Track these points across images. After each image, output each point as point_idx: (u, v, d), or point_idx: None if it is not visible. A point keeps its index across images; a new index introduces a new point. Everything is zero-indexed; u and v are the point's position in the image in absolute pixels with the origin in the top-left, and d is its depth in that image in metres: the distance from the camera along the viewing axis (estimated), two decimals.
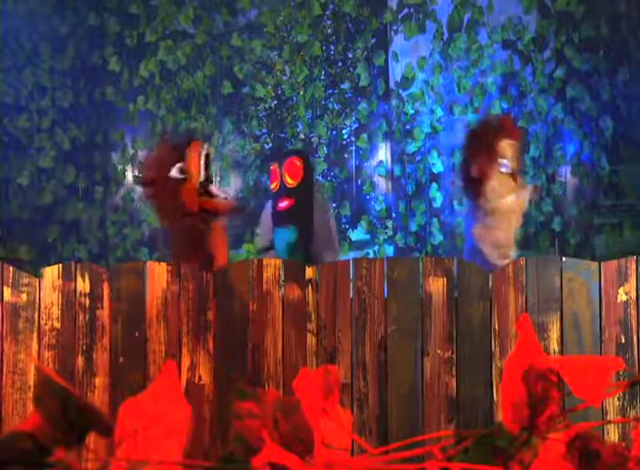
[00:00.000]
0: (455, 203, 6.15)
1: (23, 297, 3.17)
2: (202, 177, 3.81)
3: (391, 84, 6.46)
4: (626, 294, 3.14)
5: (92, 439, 0.87)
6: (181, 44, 6.54)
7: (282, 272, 3.21)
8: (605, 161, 6.21)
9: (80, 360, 3.17)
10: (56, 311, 3.18)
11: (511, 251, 3.96)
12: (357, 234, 6.51)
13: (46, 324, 3.17)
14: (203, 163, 3.83)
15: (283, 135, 6.59)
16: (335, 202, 6.42)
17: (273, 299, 3.19)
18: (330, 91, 6.54)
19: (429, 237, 6.31)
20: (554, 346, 3.14)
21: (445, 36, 6.32)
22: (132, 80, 6.60)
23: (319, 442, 0.90)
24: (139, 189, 6.69)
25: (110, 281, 3.19)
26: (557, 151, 6.25)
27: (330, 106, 6.53)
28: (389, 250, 6.41)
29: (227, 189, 4.16)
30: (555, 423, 0.89)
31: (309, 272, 3.20)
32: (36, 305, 3.18)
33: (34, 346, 3.17)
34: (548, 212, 6.22)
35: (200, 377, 3.16)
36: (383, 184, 6.53)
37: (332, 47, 6.57)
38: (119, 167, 6.68)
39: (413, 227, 6.35)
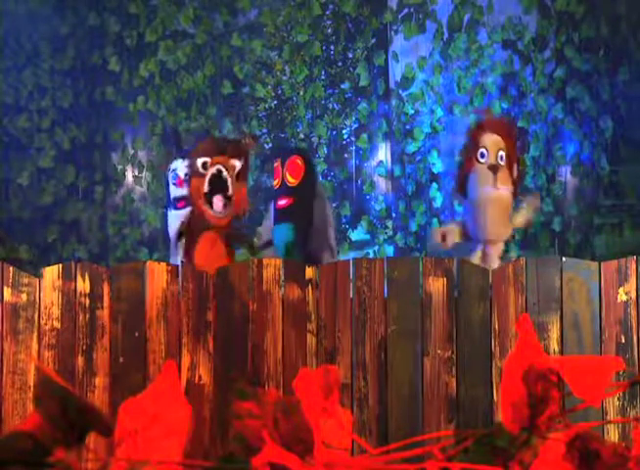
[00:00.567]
0: (455, 203, 6.14)
1: (23, 297, 3.17)
2: (204, 188, 3.85)
3: (391, 84, 6.45)
4: (626, 294, 3.14)
5: (92, 439, 0.87)
6: (181, 44, 6.54)
7: (282, 272, 3.21)
8: (605, 161, 6.21)
9: (80, 360, 3.17)
10: (56, 311, 3.18)
11: (494, 248, 3.98)
12: (357, 234, 6.51)
13: (46, 324, 3.17)
14: (208, 176, 3.86)
15: (283, 135, 6.59)
16: (335, 202, 6.42)
17: (273, 299, 3.19)
18: (330, 91, 6.54)
19: (429, 237, 6.31)
20: (554, 346, 3.14)
21: (445, 36, 6.32)
22: (132, 80, 6.59)
23: (319, 442, 0.90)
24: (139, 189, 6.69)
25: (110, 281, 3.19)
26: (557, 151, 6.25)
27: (330, 106, 6.52)
28: (389, 250, 6.40)
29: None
30: (555, 423, 0.89)
31: (309, 272, 3.20)
32: (36, 305, 3.18)
33: (34, 346, 3.17)
34: (548, 212, 6.22)
35: (200, 377, 3.16)
36: (383, 184, 6.53)
37: (332, 47, 6.56)
38: (119, 167, 6.67)
39: (413, 227, 6.35)
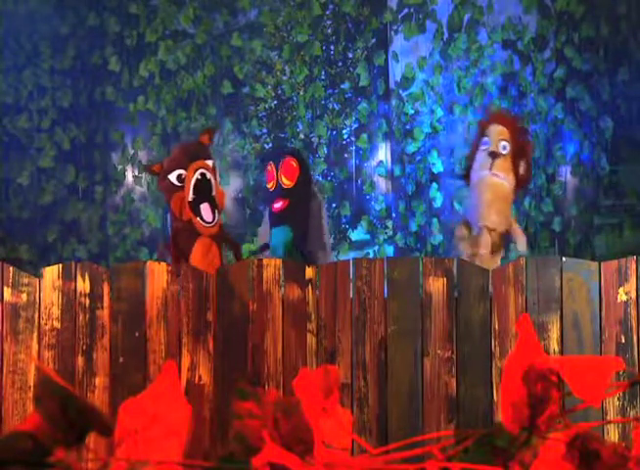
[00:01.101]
0: (455, 203, 6.15)
1: (23, 297, 3.17)
2: (189, 197, 3.79)
3: (391, 84, 6.45)
4: (626, 294, 3.14)
5: (92, 439, 0.87)
6: (181, 44, 6.54)
7: (282, 272, 3.21)
8: (605, 161, 6.21)
9: (80, 360, 3.17)
10: (56, 311, 3.18)
11: (486, 236, 4.01)
12: (357, 234, 6.51)
13: (46, 324, 3.17)
14: (192, 183, 3.81)
15: (283, 135, 6.59)
16: (335, 202, 6.42)
17: (273, 299, 3.19)
18: (330, 91, 6.54)
19: (429, 237, 6.31)
20: (554, 346, 3.14)
21: (445, 36, 6.32)
22: (132, 80, 6.59)
23: (319, 442, 0.90)
24: (139, 189, 6.69)
25: (110, 281, 3.19)
26: (557, 151, 6.25)
27: (330, 106, 6.52)
28: (389, 250, 6.40)
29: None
30: (555, 423, 0.89)
31: (309, 272, 3.20)
32: (36, 305, 3.18)
33: (34, 346, 3.17)
34: (548, 212, 6.22)
35: (200, 377, 3.16)
36: (383, 184, 6.53)
37: (332, 47, 6.56)
38: (119, 167, 6.67)
39: (413, 227, 6.35)
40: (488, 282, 3.18)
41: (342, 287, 3.19)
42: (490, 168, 4.03)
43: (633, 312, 3.14)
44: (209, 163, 3.92)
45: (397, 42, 6.43)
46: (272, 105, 6.60)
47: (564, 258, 3.23)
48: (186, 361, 3.16)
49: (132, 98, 6.60)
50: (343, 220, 6.48)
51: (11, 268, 3.20)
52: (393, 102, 6.42)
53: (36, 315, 3.18)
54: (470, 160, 4.22)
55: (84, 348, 3.17)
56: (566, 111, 6.25)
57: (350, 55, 6.54)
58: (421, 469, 0.89)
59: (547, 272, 3.16)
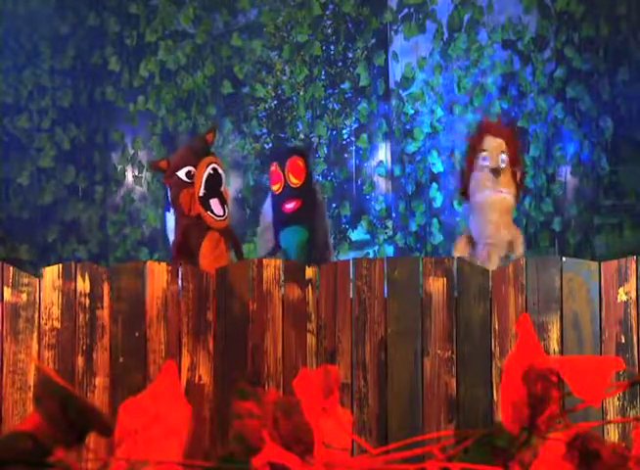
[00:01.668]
0: (455, 203, 6.14)
1: (23, 297, 3.17)
2: (200, 192, 3.83)
3: (391, 84, 6.45)
4: (626, 294, 3.14)
5: (92, 439, 0.87)
6: (181, 44, 6.54)
7: (282, 272, 3.21)
8: (605, 161, 6.21)
9: (80, 360, 3.17)
10: (56, 311, 3.18)
11: (497, 252, 3.97)
12: (357, 234, 6.51)
13: (46, 324, 3.17)
14: (204, 178, 3.84)
15: (283, 135, 6.59)
16: (335, 202, 6.42)
17: (273, 299, 3.19)
18: (330, 91, 6.54)
19: (429, 237, 6.31)
20: (554, 346, 3.14)
21: (445, 36, 6.32)
22: (132, 80, 6.59)
23: (319, 442, 0.90)
24: (139, 189, 6.69)
25: (110, 281, 3.19)
26: (557, 151, 6.25)
27: (330, 106, 6.52)
28: (389, 250, 6.40)
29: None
30: (555, 423, 0.89)
31: (309, 272, 3.20)
32: (36, 305, 3.18)
33: (34, 346, 3.17)
34: (548, 212, 6.22)
35: (200, 377, 3.16)
36: (383, 184, 6.52)
37: (332, 47, 6.57)
38: (119, 167, 6.67)
39: (413, 227, 6.35)
40: (488, 282, 3.18)
41: (342, 287, 3.19)
42: (496, 187, 3.92)
43: (633, 312, 3.14)
44: (218, 158, 4.00)
45: (397, 42, 6.43)
46: (272, 105, 6.60)
47: (564, 258, 3.23)
48: (186, 361, 3.16)
49: (132, 98, 6.60)
50: (343, 220, 6.48)
51: (11, 268, 3.20)
52: (393, 102, 6.42)
53: (36, 315, 3.18)
54: (467, 177, 4.04)
55: (84, 348, 3.17)
56: (566, 111, 6.25)
57: (350, 55, 6.54)
58: (421, 469, 0.89)
59: (547, 272, 3.16)
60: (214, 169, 3.88)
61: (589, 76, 6.25)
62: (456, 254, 3.93)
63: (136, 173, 6.67)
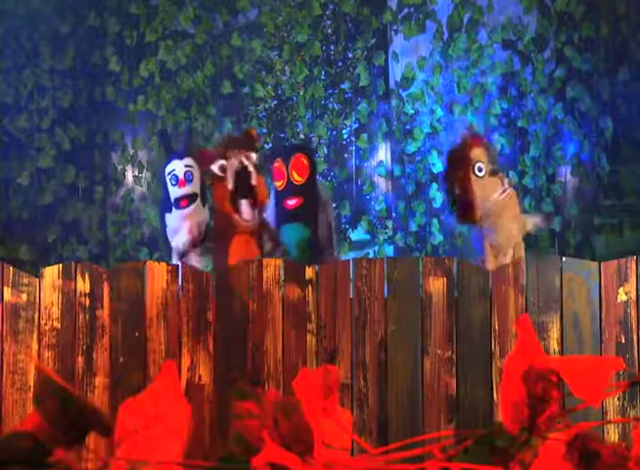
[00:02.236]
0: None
1: (23, 297, 3.17)
2: (230, 186, 3.81)
3: (391, 84, 6.45)
4: (626, 294, 3.14)
5: (92, 439, 0.87)
6: (181, 44, 6.54)
7: (282, 272, 3.21)
8: (605, 161, 6.21)
9: (80, 360, 3.17)
10: (56, 311, 3.18)
11: (506, 256, 3.95)
12: (357, 234, 6.51)
13: (46, 324, 3.17)
14: (233, 174, 3.82)
15: (283, 135, 6.59)
16: (335, 202, 6.42)
17: (273, 299, 3.19)
18: (330, 91, 6.54)
19: (429, 237, 6.31)
20: (554, 346, 3.14)
21: (445, 36, 6.32)
22: (132, 80, 6.59)
23: (319, 442, 0.90)
24: (139, 189, 6.69)
25: (110, 281, 3.19)
26: (557, 151, 6.25)
27: (330, 106, 6.52)
28: (389, 250, 6.40)
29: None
30: (555, 423, 0.89)
31: (309, 272, 3.20)
32: (36, 305, 3.18)
33: (34, 346, 3.17)
34: (548, 213, 6.22)
35: (200, 377, 3.16)
36: (383, 184, 6.52)
37: (332, 47, 6.57)
38: (119, 167, 6.67)
39: (413, 227, 6.35)
40: (488, 282, 3.18)
41: (342, 287, 3.19)
42: (503, 188, 3.90)
43: (633, 312, 3.14)
44: (252, 154, 3.92)
45: (397, 42, 6.43)
46: (272, 105, 6.60)
47: (564, 258, 3.23)
48: (186, 361, 3.16)
49: (132, 98, 6.60)
50: (343, 220, 6.48)
51: (11, 268, 3.20)
52: (393, 102, 6.41)
53: (36, 315, 3.18)
54: (464, 196, 3.92)
55: (84, 348, 3.17)
56: (566, 111, 6.24)
57: (350, 55, 6.54)
58: (421, 469, 0.89)
59: (547, 272, 3.16)
60: (241, 163, 3.84)
61: (589, 76, 6.25)
62: (490, 266, 3.82)
63: (136, 173, 6.67)
